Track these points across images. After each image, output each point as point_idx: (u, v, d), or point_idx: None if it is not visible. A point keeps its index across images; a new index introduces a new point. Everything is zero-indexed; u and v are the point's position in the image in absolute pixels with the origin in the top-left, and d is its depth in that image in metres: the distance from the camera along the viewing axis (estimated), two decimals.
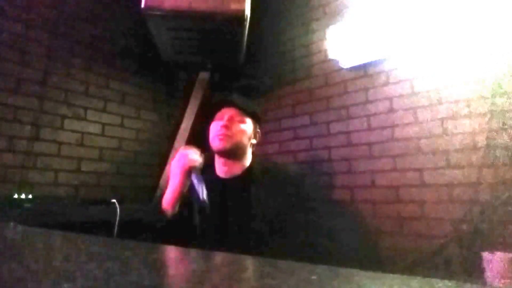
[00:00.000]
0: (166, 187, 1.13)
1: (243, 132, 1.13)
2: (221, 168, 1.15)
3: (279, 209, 1.06)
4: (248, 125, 1.15)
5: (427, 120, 1.46)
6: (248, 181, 1.10)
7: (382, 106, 1.62)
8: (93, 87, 1.91)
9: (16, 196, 1.40)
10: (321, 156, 1.81)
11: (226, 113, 1.13)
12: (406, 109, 1.54)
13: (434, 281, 0.30)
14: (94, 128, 1.89)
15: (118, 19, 2.09)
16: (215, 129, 1.12)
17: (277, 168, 1.25)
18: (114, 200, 1.53)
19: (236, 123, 1.12)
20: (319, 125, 1.85)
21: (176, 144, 2.10)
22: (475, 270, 1.16)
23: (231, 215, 1.07)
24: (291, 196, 1.10)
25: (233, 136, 1.10)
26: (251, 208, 1.05)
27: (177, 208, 1.08)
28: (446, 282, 0.30)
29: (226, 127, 1.10)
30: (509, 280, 1.02)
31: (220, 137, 1.09)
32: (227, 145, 1.09)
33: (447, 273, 1.26)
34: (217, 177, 1.15)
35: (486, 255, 1.09)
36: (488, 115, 1.30)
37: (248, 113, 1.17)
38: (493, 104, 1.30)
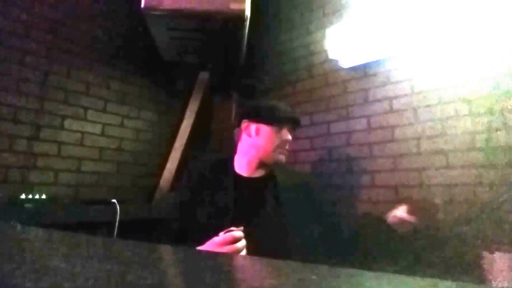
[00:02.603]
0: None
1: None
2: (246, 167, 1.15)
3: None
4: None
5: (427, 120, 1.46)
6: (272, 182, 1.13)
7: (382, 106, 1.62)
8: (93, 87, 1.91)
9: (16, 196, 1.40)
10: (321, 156, 1.81)
11: (291, 130, 1.18)
12: (406, 109, 1.54)
13: (434, 281, 0.30)
14: (94, 128, 1.89)
15: (118, 19, 2.08)
16: (280, 141, 1.13)
17: (296, 174, 1.33)
18: (114, 200, 1.53)
19: None
20: (319, 125, 1.85)
21: (176, 144, 2.10)
22: (475, 270, 1.15)
23: (261, 213, 1.07)
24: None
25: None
26: (282, 209, 1.07)
27: None
28: (446, 282, 0.30)
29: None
30: (509, 280, 1.02)
31: (286, 153, 1.15)
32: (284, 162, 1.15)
33: (448, 273, 1.26)
34: (238, 175, 1.15)
35: (486, 255, 1.08)
36: (488, 115, 1.30)
37: None
38: (493, 104, 1.30)
